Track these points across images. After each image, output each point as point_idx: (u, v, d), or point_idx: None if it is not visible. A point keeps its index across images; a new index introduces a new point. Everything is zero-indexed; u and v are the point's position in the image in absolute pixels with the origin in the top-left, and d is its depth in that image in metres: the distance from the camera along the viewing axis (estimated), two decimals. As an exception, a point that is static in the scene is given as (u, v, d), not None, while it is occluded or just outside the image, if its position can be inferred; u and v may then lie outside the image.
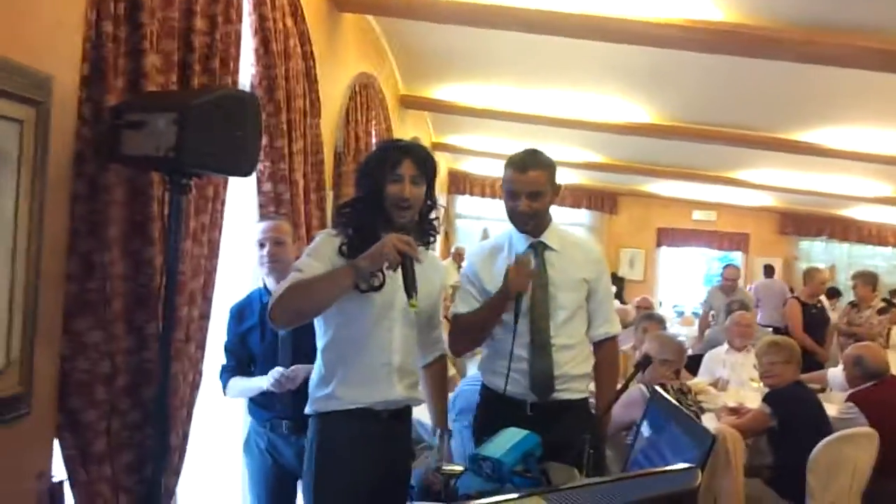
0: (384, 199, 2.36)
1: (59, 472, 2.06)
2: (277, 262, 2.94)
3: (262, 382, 2.86)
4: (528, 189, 2.69)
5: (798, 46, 4.11)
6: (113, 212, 2.07)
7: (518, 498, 0.78)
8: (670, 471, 0.91)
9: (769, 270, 10.91)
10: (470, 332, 2.84)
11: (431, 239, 2.55)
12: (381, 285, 2.32)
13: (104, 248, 2.04)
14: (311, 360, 2.52)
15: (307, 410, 2.45)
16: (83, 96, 1.99)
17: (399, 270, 2.23)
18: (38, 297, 1.88)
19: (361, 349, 2.37)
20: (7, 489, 1.87)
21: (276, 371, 2.82)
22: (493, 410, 2.79)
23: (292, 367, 2.81)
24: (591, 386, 2.93)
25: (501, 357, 2.72)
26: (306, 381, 2.54)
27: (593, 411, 2.88)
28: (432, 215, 2.52)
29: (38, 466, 1.99)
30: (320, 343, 2.44)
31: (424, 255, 2.50)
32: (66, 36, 1.93)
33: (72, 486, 2.05)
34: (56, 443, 2.04)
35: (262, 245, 2.97)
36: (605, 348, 2.88)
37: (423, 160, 2.41)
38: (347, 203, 2.55)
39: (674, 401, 2.33)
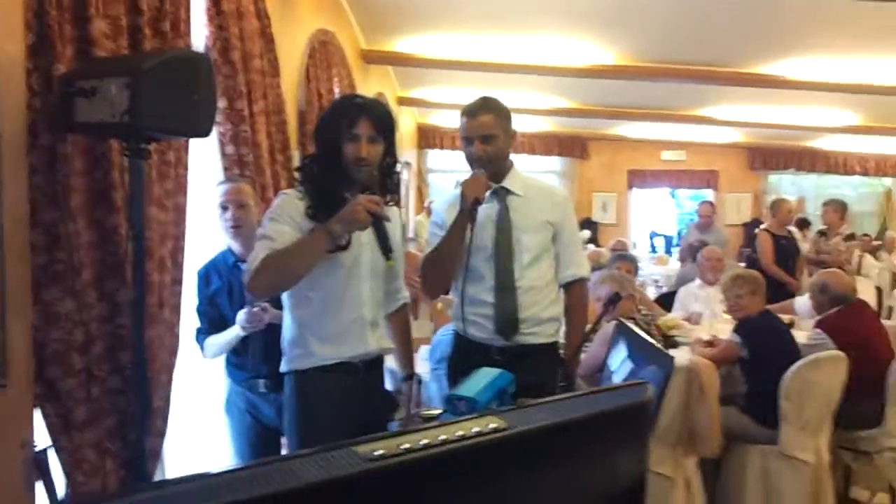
0: (341, 158, 2.36)
1: (43, 440, 2.09)
2: (241, 227, 2.93)
3: (235, 329, 2.88)
4: (480, 133, 2.74)
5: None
6: (73, 181, 2.07)
7: (473, 417, 0.82)
8: (621, 386, 0.95)
9: None
10: (437, 263, 2.82)
11: (393, 195, 2.56)
12: (348, 244, 2.35)
13: (68, 218, 2.05)
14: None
15: (283, 368, 2.49)
16: (30, 67, 1.97)
17: (369, 230, 2.27)
18: (3, 269, 1.88)
19: (334, 307, 2.40)
20: (-9, 460, 1.90)
21: (242, 312, 2.84)
22: (462, 355, 2.86)
23: (263, 306, 2.81)
24: (563, 331, 2.98)
25: (469, 303, 2.79)
26: (277, 336, 2.56)
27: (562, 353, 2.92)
28: (393, 172, 2.53)
29: (20, 436, 2.01)
30: (288, 302, 2.47)
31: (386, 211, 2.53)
32: (5, 6, 1.90)
33: (57, 452, 2.09)
34: (38, 412, 2.07)
35: (224, 208, 2.95)
36: (573, 291, 2.91)
37: (379, 118, 2.40)
38: (305, 162, 2.55)
39: (642, 332, 2.39)
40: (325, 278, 2.38)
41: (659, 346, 2.18)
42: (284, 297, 2.49)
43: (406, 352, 2.75)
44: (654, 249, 12.47)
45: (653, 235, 13.20)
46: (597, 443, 0.90)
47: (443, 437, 0.74)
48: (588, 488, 0.89)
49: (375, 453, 0.70)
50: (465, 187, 2.67)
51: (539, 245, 2.81)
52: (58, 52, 1.99)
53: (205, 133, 2.17)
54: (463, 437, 0.76)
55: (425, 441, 0.73)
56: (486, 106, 2.77)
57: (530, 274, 2.78)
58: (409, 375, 2.73)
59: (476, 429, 0.77)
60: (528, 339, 2.77)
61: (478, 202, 2.66)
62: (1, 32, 1.88)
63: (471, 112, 2.76)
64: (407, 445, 0.72)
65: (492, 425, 0.79)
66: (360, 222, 2.22)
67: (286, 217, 2.36)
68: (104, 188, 2.16)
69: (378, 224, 2.26)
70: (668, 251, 12.16)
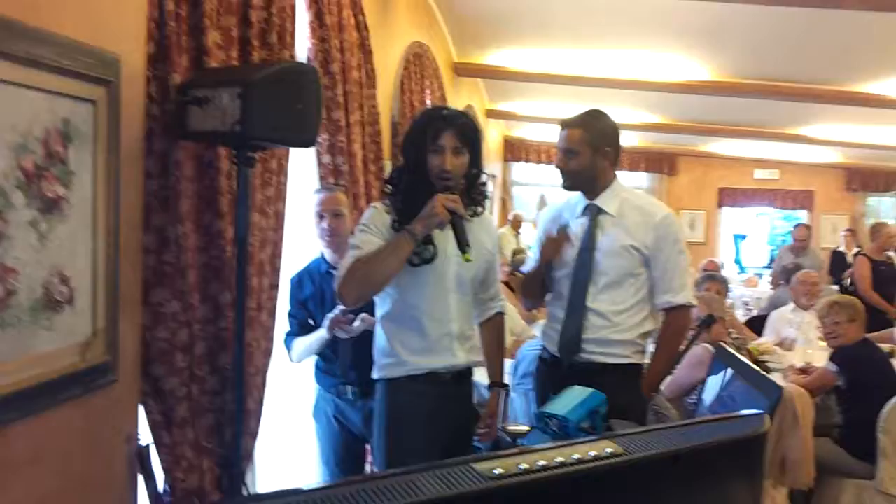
0: (427, 171, 2.37)
1: (144, 435, 2.17)
2: (336, 236, 2.97)
3: (321, 332, 2.91)
4: (563, 145, 2.78)
5: (864, -7, 3.97)
6: (184, 187, 2.13)
7: (589, 441, 0.82)
8: (738, 416, 0.93)
9: None
10: (525, 289, 3.07)
11: (480, 205, 2.56)
12: (433, 258, 2.37)
13: (177, 221, 2.12)
14: None
15: (375, 375, 2.52)
16: (150, 75, 2.05)
17: (449, 231, 2.29)
18: (118, 269, 1.96)
19: (421, 321, 2.42)
20: (99, 452, 1.98)
21: (330, 314, 2.85)
22: (543, 370, 2.92)
23: (361, 315, 2.81)
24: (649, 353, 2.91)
25: (549, 319, 2.89)
26: (367, 343, 2.59)
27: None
28: (480, 181, 2.53)
29: (126, 431, 2.10)
30: (379, 312, 2.50)
31: (476, 220, 2.52)
32: (131, 16, 1.99)
33: (158, 448, 2.16)
34: (141, 408, 2.14)
35: (320, 217, 3.00)
36: (669, 316, 2.82)
37: (464, 129, 2.39)
38: (392, 175, 2.57)
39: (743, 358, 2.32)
40: (412, 293, 2.42)
41: (764, 373, 2.11)
42: (377, 306, 2.53)
43: (497, 360, 2.75)
44: (742, 268, 12.12)
45: (737, 239, 12.79)
46: (712, 473, 0.88)
47: (560, 459, 0.75)
48: (702, 519, 0.87)
49: (495, 472, 0.71)
50: (544, 245, 2.81)
51: (619, 270, 2.73)
52: (174, 62, 2.07)
53: (310, 143, 2.22)
54: (580, 461, 0.76)
55: (542, 462, 0.74)
56: (579, 121, 2.77)
57: (605, 297, 2.73)
58: (498, 384, 2.73)
59: (593, 453, 0.77)
60: (595, 358, 2.73)
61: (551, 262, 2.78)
62: (127, 42, 1.97)
63: (564, 124, 2.80)
64: (525, 466, 0.72)
65: (608, 450, 0.78)
66: (438, 217, 2.24)
67: (374, 228, 2.39)
68: (211, 194, 2.23)
69: (455, 222, 2.27)
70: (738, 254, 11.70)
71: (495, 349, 2.74)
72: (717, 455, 0.88)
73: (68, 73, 1.75)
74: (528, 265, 3.02)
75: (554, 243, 2.76)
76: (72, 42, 1.75)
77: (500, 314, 2.75)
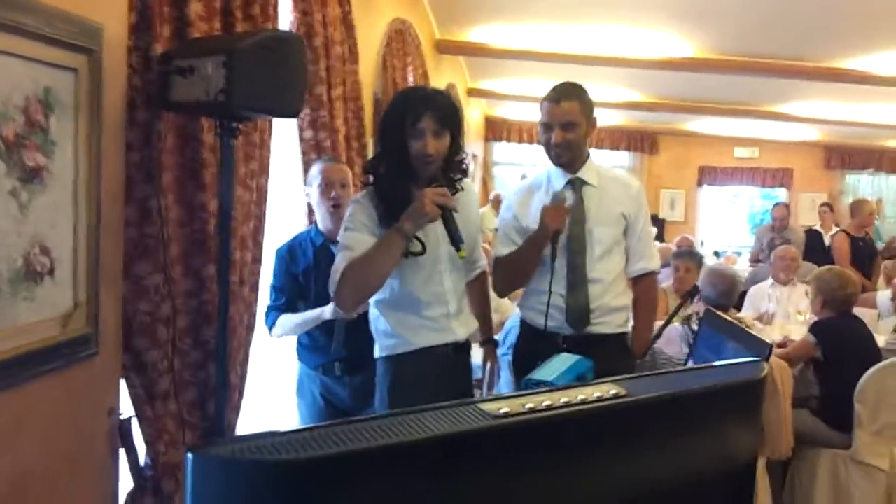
0: (408, 155, 2.33)
1: (127, 409, 2.15)
2: (340, 206, 2.91)
3: (323, 312, 2.86)
4: (562, 120, 2.69)
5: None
6: (166, 159, 2.11)
7: (595, 383, 0.82)
8: (737, 363, 0.94)
9: None
10: (511, 273, 2.87)
11: (459, 182, 2.50)
12: (423, 250, 2.35)
13: (159, 194, 2.09)
14: None
15: (376, 354, 2.52)
16: (132, 45, 2.02)
17: (440, 223, 2.26)
18: (99, 241, 1.94)
19: (419, 306, 2.43)
20: (81, 424, 1.97)
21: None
22: (529, 344, 2.85)
23: None
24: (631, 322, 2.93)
25: (538, 294, 2.77)
26: (359, 321, 2.58)
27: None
28: (460, 163, 2.49)
29: (107, 404, 2.08)
30: (375, 298, 2.46)
31: (457, 197, 2.44)
32: (113, -15, 1.95)
33: (140, 422, 2.15)
34: (123, 382, 2.13)
35: (327, 185, 2.95)
36: (642, 284, 2.88)
37: (443, 110, 2.34)
38: (370, 164, 2.50)
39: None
40: (408, 281, 2.41)
41: (753, 332, 2.12)
42: None
43: (487, 317, 2.80)
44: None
45: None
46: (712, 416, 0.89)
47: (565, 399, 0.75)
48: (702, 461, 0.88)
49: (501, 411, 0.71)
50: (546, 217, 2.64)
51: (611, 238, 2.77)
52: (156, 33, 2.04)
53: (295, 113, 2.20)
54: (584, 402, 0.76)
55: (548, 402, 0.74)
56: (572, 93, 2.72)
57: (601, 267, 2.75)
58: (489, 339, 2.78)
59: (597, 394, 0.77)
60: (596, 329, 2.75)
61: (558, 233, 2.65)
62: (110, 11, 1.94)
63: (555, 98, 2.71)
64: (531, 406, 0.72)
65: (612, 391, 0.78)
66: (428, 215, 2.21)
67: (360, 224, 2.36)
68: (194, 166, 2.21)
69: (446, 215, 2.24)
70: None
71: (483, 305, 2.79)
72: (718, 398, 0.89)
73: (50, 41, 1.72)
74: (500, 249, 2.89)
75: (557, 212, 2.65)
76: (55, 10, 1.72)
77: (484, 272, 2.78)
